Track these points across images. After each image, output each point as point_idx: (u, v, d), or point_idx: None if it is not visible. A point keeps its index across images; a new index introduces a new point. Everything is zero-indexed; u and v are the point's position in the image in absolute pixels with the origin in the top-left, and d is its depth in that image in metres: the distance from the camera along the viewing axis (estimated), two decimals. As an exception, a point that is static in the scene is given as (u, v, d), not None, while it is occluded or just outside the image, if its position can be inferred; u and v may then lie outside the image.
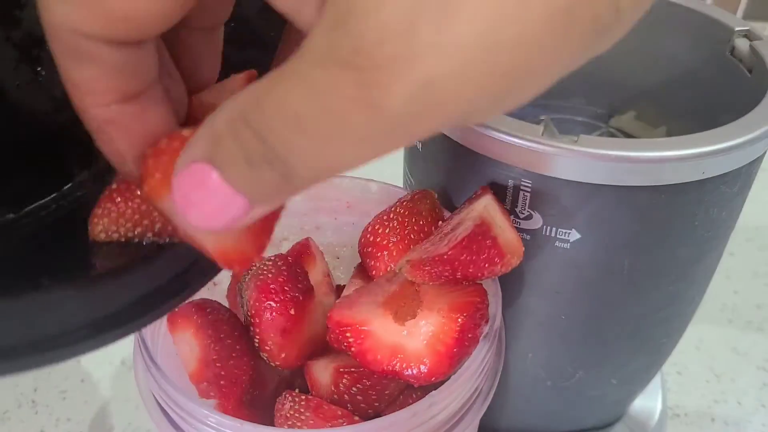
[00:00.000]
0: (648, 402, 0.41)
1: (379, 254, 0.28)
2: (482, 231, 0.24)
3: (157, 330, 0.27)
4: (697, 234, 0.28)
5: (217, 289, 0.31)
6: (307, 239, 0.31)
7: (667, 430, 0.42)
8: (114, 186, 0.20)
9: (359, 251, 0.30)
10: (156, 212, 0.20)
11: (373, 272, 0.29)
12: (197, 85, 0.21)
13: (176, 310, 0.25)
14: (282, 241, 0.33)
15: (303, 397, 0.25)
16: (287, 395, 0.25)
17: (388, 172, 0.61)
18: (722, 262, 0.32)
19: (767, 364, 0.46)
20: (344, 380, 0.26)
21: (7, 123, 0.22)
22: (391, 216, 0.29)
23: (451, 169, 0.29)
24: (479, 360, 0.24)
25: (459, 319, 0.24)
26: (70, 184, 0.22)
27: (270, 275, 0.26)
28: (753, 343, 0.47)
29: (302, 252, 0.31)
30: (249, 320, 0.27)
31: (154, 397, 0.24)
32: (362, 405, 0.26)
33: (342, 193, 0.32)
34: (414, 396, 0.27)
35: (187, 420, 0.23)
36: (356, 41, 0.13)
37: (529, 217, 0.27)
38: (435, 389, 0.24)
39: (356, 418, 0.25)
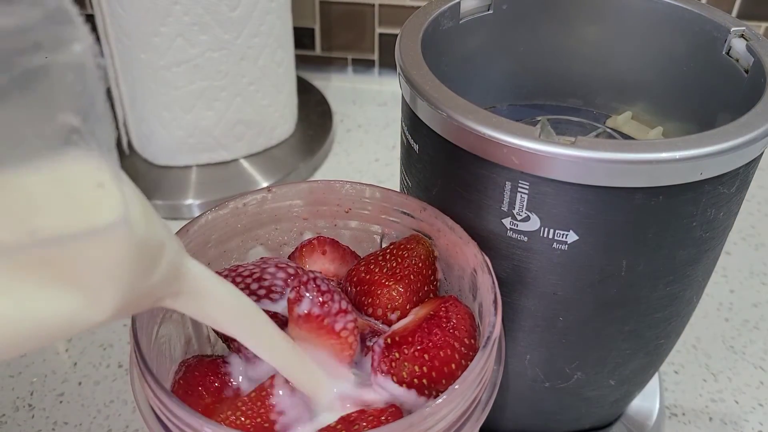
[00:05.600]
0: (646, 402, 0.41)
1: (379, 291, 0.29)
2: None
3: (153, 337, 0.27)
4: (694, 235, 0.28)
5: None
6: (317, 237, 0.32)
7: (665, 430, 0.42)
8: None
9: (346, 285, 0.30)
10: None
11: (369, 310, 0.29)
12: None
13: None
14: (282, 245, 0.33)
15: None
16: None
17: (383, 174, 0.61)
18: (719, 261, 0.32)
19: (764, 363, 0.46)
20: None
21: None
22: (388, 257, 0.29)
23: (447, 171, 0.29)
24: (477, 370, 0.24)
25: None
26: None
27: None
28: (749, 341, 0.47)
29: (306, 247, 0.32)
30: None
31: (150, 406, 0.24)
32: None
33: (341, 199, 0.32)
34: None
35: (183, 429, 0.22)
36: None
37: (526, 219, 0.27)
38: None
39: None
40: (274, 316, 0.27)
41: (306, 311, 0.26)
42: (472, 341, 0.27)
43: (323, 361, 0.26)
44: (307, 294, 0.26)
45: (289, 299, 0.26)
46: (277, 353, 0.24)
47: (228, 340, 0.28)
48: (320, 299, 0.26)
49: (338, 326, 0.26)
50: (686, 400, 0.43)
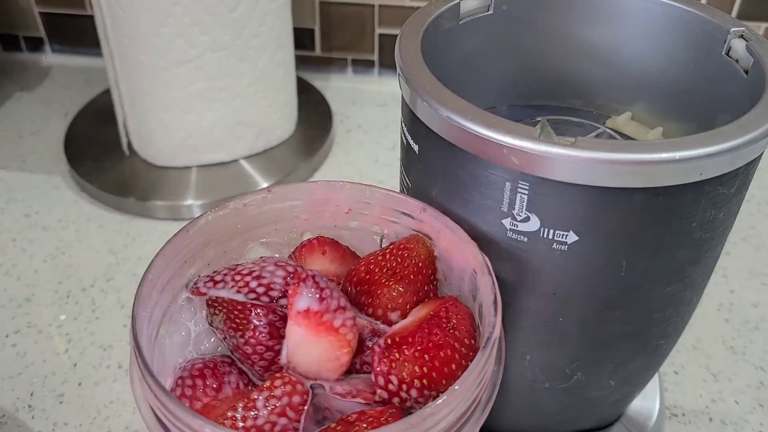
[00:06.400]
0: (646, 402, 0.41)
1: (379, 291, 0.29)
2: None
3: (153, 337, 0.27)
4: (694, 235, 0.28)
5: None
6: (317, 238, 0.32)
7: (665, 430, 0.42)
8: None
9: (346, 285, 0.30)
10: None
11: (370, 310, 0.29)
12: None
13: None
14: (282, 246, 0.33)
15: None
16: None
17: (383, 174, 0.61)
18: (719, 261, 0.32)
19: (764, 363, 0.46)
20: None
21: None
22: (388, 257, 0.29)
23: (447, 172, 0.29)
24: (477, 370, 0.24)
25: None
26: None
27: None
28: (749, 342, 0.47)
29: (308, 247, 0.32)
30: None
31: (150, 407, 0.24)
32: None
33: (342, 199, 0.32)
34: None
35: (183, 430, 0.22)
36: None
37: (526, 220, 0.27)
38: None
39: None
40: (273, 312, 0.27)
41: (305, 307, 0.26)
42: (472, 342, 0.27)
43: (321, 359, 0.26)
44: (306, 290, 0.26)
45: (288, 295, 0.26)
46: None
47: (227, 340, 0.28)
48: (319, 296, 0.26)
49: (337, 323, 0.26)
50: (686, 401, 0.43)
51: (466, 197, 0.28)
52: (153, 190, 0.58)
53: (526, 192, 0.26)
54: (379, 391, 0.26)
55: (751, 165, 0.27)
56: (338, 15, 0.71)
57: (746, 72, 0.31)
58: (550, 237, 0.27)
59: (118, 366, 0.46)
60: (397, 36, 0.31)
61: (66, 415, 0.43)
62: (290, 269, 0.28)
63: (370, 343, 0.27)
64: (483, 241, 0.28)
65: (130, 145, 0.62)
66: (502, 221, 0.28)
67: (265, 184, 0.59)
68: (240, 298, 0.28)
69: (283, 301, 0.28)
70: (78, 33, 0.76)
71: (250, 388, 0.27)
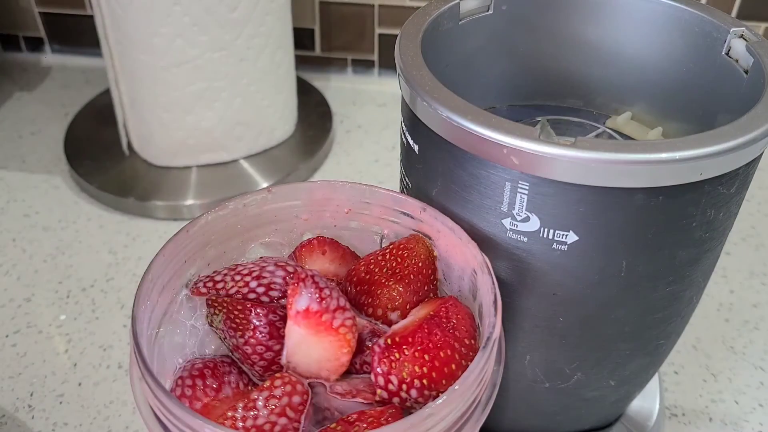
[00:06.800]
0: (646, 402, 0.41)
1: (378, 291, 0.29)
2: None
3: (153, 337, 0.27)
4: (694, 235, 0.28)
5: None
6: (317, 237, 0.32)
7: (665, 430, 0.42)
8: None
9: (346, 285, 0.30)
10: None
11: (370, 310, 0.29)
12: None
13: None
14: (282, 246, 0.33)
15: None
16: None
17: (383, 175, 0.61)
18: (719, 261, 0.32)
19: (764, 363, 0.46)
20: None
21: None
22: (388, 257, 0.30)
23: (447, 172, 0.29)
24: (477, 370, 0.24)
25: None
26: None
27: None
28: (749, 342, 0.47)
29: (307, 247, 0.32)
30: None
31: (150, 407, 0.24)
32: None
33: (342, 199, 0.32)
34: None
35: (183, 430, 0.22)
36: None
37: (526, 220, 0.27)
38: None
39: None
40: (273, 312, 0.27)
41: (304, 307, 0.26)
42: (473, 342, 0.27)
43: (321, 359, 0.26)
44: (306, 290, 0.26)
45: (287, 295, 0.26)
46: None
47: (227, 340, 0.28)
48: (318, 295, 0.26)
49: (336, 323, 0.26)
50: (686, 401, 0.43)
51: (466, 197, 0.28)
52: (153, 190, 0.58)
53: (526, 192, 0.26)
54: (379, 391, 0.26)
55: (751, 165, 0.27)
56: (338, 15, 0.71)
57: (746, 72, 0.31)
58: (550, 237, 0.27)
59: (118, 366, 0.46)
60: (397, 36, 0.31)
61: (66, 415, 0.43)
62: (290, 269, 0.28)
63: (370, 343, 0.27)
64: (483, 241, 0.28)
65: (130, 145, 0.62)
66: (502, 221, 0.28)
67: (265, 184, 0.59)
68: (240, 298, 0.28)
69: (283, 301, 0.28)
70: (78, 33, 0.76)
71: (250, 388, 0.27)
